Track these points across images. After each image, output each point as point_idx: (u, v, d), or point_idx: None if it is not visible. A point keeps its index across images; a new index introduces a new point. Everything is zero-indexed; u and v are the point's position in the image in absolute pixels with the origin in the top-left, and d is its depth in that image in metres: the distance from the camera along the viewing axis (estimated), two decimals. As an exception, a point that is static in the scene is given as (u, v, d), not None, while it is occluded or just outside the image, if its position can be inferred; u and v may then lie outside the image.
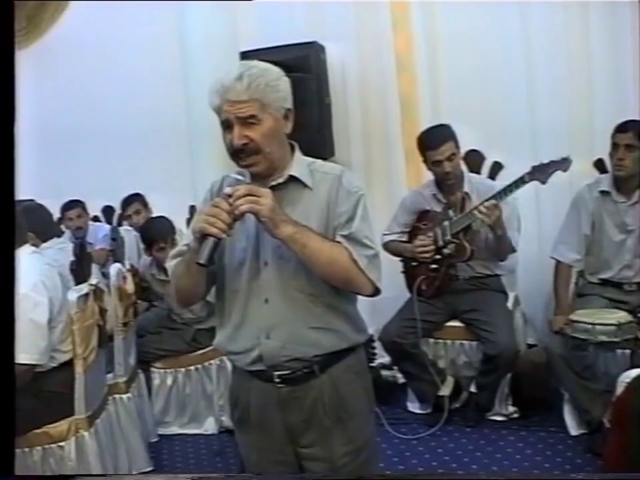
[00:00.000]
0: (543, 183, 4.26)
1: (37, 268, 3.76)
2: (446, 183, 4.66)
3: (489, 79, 5.37)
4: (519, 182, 4.29)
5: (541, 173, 4.22)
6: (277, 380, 2.43)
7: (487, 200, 4.32)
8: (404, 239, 4.89)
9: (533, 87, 5.29)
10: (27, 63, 6.03)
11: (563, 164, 4.20)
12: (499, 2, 5.22)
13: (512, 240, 4.51)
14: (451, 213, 4.59)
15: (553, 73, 5.20)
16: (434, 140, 4.59)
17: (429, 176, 4.88)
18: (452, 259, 4.62)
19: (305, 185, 2.40)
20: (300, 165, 2.44)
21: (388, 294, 4.87)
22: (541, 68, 5.24)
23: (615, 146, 4.34)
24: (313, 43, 5.37)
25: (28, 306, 3.56)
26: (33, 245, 4.00)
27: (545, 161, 4.21)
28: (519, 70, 5.31)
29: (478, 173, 5.40)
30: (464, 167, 4.94)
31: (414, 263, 4.78)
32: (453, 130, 4.67)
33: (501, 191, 4.34)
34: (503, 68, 5.36)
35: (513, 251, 4.59)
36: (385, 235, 4.88)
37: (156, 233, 5.09)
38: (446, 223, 4.57)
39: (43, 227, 4.40)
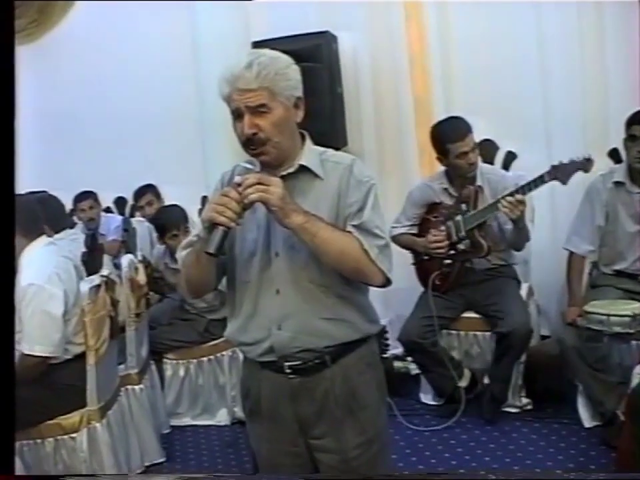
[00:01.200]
0: (564, 183, 4.18)
1: (53, 260, 3.78)
2: (467, 176, 4.59)
3: (502, 68, 5.33)
4: (538, 181, 4.23)
5: (561, 172, 4.15)
6: (288, 370, 2.42)
7: (509, 194, 4.26)
8: (414, 232, 4.85)
9: (547, 76, 5.24)
10: (39, 55, 6.05)
11: (585, 164, 4.12)
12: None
13: (529, 228, 4.51)
14: (464, 207, 4.53)
15: (567, 62, 5.16)
16: (458, 131, 4.53)
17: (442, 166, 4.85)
18: (467, 254, 4.59)
19: (316, 175, 2.39)
20: (311, 154, 2.43)
21: (400, 285, 4.86)
22: (555, 57, 5.20)
23: (633, 138, 4.25)
24: (325, 32, 5.34)
25: (43, 298, 3.58)
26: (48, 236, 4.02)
27: (565, 161, 4.14)
28: (532, 59, 5.27)
29: (492, 162, 5.38)
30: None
31: (426, 257, 4.74)
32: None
33: (519, 189, 4.26)
34: (516, 57, 5.32)
35: (528, 239, 4.56)
36: (393, 227, 4.82)
37: (168, 221, 5.13)
38: (459, 218, 4.52)
39: (56, 218, 4.41)
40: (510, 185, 4.42)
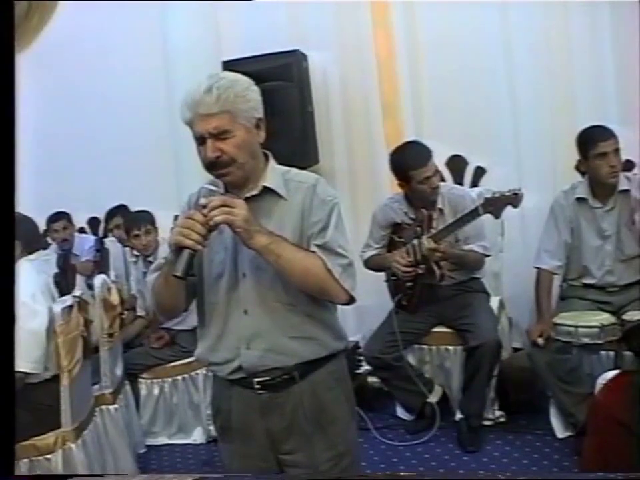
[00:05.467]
0: (496, 217, 4.31)
1: (35, 277, 3.80)
2: (429, 199, 4.59)
3: (471, 83, 5.39)
4: (474, 214, 4.30)
5: (493, 206, 4.24)
6: (257, 386, 2.45)
7: (433, 234, 4.38)
8: (382, 253, 4.83)
9: (515, 89, 5.31)
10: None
11: (513, 199, 4.21)
12: (479, 5, 5.23)
13: (479, 250, 4.58)
14: (419, 230, 4.52)
15: (535, 75, 5.23)
16: (420, 157, 4.51)
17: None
18: (424, 278, 4.57)
19: (280, 195, 2.42)
20: (274, 174, 2.46)
21: (373, 302, 4.92)
22: (523, 70, 5.27)
23: (602, 155, 4.26)
24: (295, 51, 5.39)
25: (27, 314, 3.59)
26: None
27: (496, 195, 4.22)
28: (500, 73, 5.34)
29: (461, 177, 5.43)
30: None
31: (394, 277, 4.73)
32: None
33: (456, 221, 4.38)
34: (484, 72, 5.38)
35: (485, 256, 4.64)
36: (362, 252, 4.82)
37: (131, 222, 5.34)
38: (415, 242, 4.48)
39: (29, 239, 4.41)
40: (469, 204, 4.48)
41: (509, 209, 4.29)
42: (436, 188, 4.57)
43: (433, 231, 4.44)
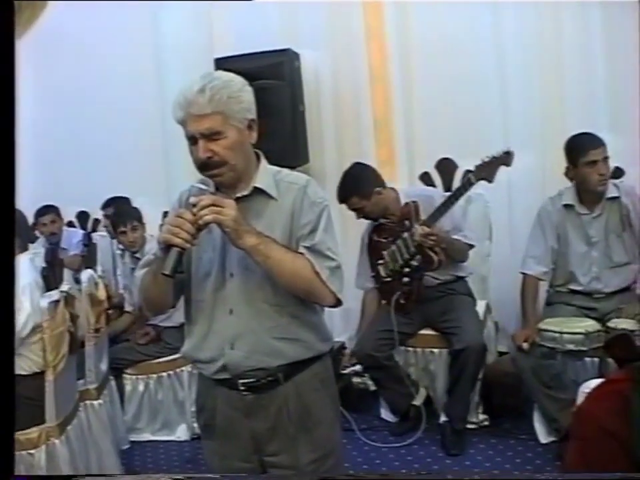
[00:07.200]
0: (490, 181, 4.24)
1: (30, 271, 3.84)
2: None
3: (462, 86, 5.40)
4: (467, 184, 4.28)
5: (485, 171, 4.20)
6: (242, 388, 2.44)
7: (424, 220, 4.35)
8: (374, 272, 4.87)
9: (506, 95, 5.33)
10: None
11: (506, 158, 4.18)
12: (472, 8, 5.25)
13: (464, 238, 4.56)
14: (407, 223, 4.49)
15: (526, 81, 5.25)
16: (347, 191, 4.64)
17: (403, 185, 4.91)
18: (420, 270, 4.55)
19: (270, 196, 2.42)
20: (265, 175, 2.45)
21: (359, 304, 4.89)
22: (514, 76, 5.29)
23: (592, 163, 4.26)
24: (287, 50, 5.40)
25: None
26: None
27: (487, 158, 4.18)
28: (492, 77, 5.36)
29: (450, 180, 5.43)
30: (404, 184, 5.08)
31: (387, 279, 4.74)
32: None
33: (451, 196, 4.35)
34: (476, 75, 5.39)
35: (470, 247, 4.61)
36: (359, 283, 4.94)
37: (117, 218, 5.32)
38: (406, 235, 4.48)
39: (18, 233, 4.41)
40: (438, 201, 4.47)
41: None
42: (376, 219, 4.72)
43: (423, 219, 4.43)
